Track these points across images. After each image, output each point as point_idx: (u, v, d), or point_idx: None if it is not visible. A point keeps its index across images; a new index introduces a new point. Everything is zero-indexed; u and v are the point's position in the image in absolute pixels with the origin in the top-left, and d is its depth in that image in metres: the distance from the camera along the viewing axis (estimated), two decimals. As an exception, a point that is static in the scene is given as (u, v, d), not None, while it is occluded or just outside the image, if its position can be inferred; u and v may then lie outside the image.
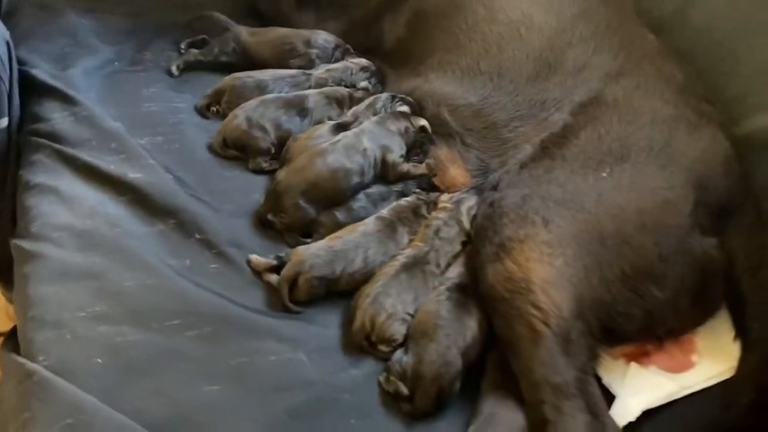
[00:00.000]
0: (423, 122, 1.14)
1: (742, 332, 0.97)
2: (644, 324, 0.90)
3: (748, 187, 1.02)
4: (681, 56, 1.12)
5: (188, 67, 1.27)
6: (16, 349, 0.91)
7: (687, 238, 0.91)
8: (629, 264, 0.88)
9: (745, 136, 1.05)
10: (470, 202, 1.03)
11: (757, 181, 1.02)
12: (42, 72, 1.16)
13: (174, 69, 1.26)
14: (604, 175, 0.94)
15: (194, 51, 1.29)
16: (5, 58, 1.09)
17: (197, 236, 1.00)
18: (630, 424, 0.88)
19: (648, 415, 0.91)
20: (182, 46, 1.31)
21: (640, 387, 0.92)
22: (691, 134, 0.99)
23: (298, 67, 1.27)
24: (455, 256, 1.00)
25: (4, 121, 1.11)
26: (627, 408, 0.89)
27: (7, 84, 1.09)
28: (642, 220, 0.90)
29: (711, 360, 0.97)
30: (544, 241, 0.89)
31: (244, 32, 1.28)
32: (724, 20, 1.13)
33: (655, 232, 0.90)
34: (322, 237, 1.01)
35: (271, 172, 1.11)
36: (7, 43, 1.11)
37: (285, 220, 1.04)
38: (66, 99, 1.13)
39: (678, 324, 0.94)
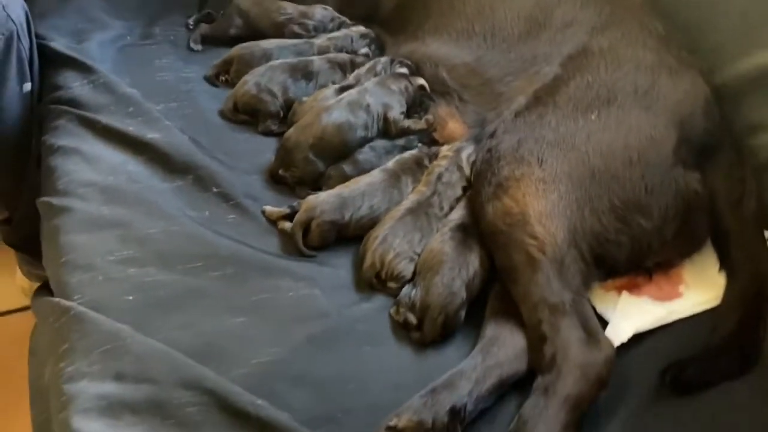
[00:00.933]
0: (421, 81, 1.21)
1: (726, 263, 1.04)
2: (632, 252, 0.97)
3: (727, 129, 1.09)
4: (663, 10, 1.19)
5: (204, 41, 1.34)
6: (48, 295, 0.97)
7: (671, 172, 0.98)
8: (617, 196, 0.95)
9: (723, 83, 1.12)
10: (469, 149, 1.10)
11: (737, 122, 1.09)
12: (59, 45, 1.23)
13: (193, 44, 1.32)
14: (593, 117, 1.00)
15: (205, 26, 1.35)
16: (25, 29, 1.16)
17: (214, 190, 1.06)
18: (623, 346, 0.95)
19: (639, 339, 0.98)
20: (190, 22, 1.38)
21: (631, 312, 0.99)
22: (672, 78, 1.06)
23: (296, 37, 1.33)
24: (457, 200, 1.06)
25: (28, 86, 1.18)
26: (619, 331, 0.96)
27: (27, 52, 1.16)
28: (629, 156, 0.97)
29: (698, 290, 1.04)
30: (539, 178, 0.96)
31: (247, 3, 1.34)
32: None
33: (641, 166, 0.97)
34: (331, 189, 1.08)
35: (280, 134, 1.17)
36: (26, 14, 1.17)
37: (296, 174, 1.10)
38: (83, 68, 1.19)
39: (664, 254, 1.01)
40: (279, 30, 1.33)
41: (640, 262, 1.00)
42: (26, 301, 1.62)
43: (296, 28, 1.33)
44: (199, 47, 1.33)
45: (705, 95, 1.07)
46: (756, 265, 1.01)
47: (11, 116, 1.19)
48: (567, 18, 1.16)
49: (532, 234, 0.92)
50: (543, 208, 0.94)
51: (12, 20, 1.12)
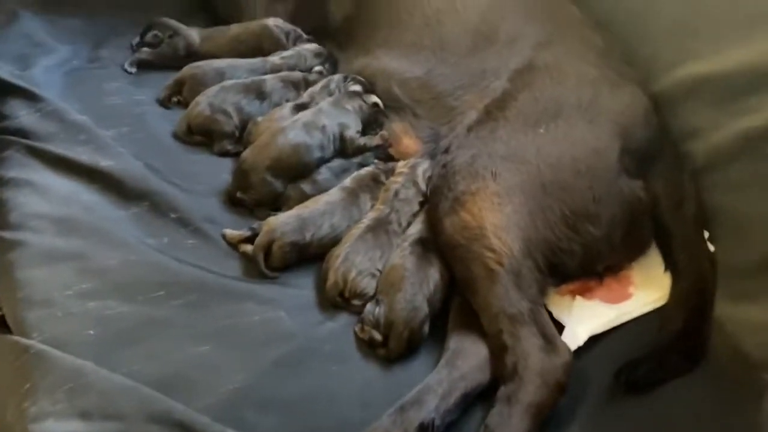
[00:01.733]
0: (375, 99, 1.23)
1: (670, 264, 1.10)
2: (584, 259, 1.01)
3: (665, 135, 1.15)
4: (599, 24, 1.25)
5: (142, 65, 1.31)
6: (5, 332, 0.95)
7: (616, 181, 1.03)
8: (568, 206, 1.00)
9: (660, 91, 1.18)
10: (424, 165, 1.13)
11: (674, 129, 1.15)
12: (3, 72, 1.19)
13: (128, 66, 1.30)
14: (542, 131, 1.05)
15: (146, 50, 1.33)
16: None
17: (172, 215, 1.06)
18: (579, 349, 1.00)
19: (594, 341, 1.02)
20: (133, 44, 1.35)
21: (585, 316, 1.03)
22: (613, 91, 1.11)
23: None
24: (414, 215, 1.09)
25: None
26: (575, 335, 1.00)
27: None
28: (576, 168, 1.01)
29: (646, 290, 1.09)
30: (493, 192, 0.99)
31: (196, 37, 1.32)
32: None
33: (589, 177, 1.01)
34: (291, 209, 1.09)
35: (236, 155, 1.17)
36: None
37: (254, 196, 1.11)
38: (30, 96, 1.16)
39: (613, 258, 1.06)
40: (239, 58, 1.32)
41: (591, 268, 1.05)
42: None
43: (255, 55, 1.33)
44: (133, 70, 1.30)
45: (644, 106, 1.13)
46: (698, 264, 1.07)
47: None
48: (512, 33, 1.20)
49: (489, 247, 0.96)
50: (499, 222, 0.97)
51: None
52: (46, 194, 1.04)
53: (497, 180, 1.01)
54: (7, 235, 1.00)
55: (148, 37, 1.33)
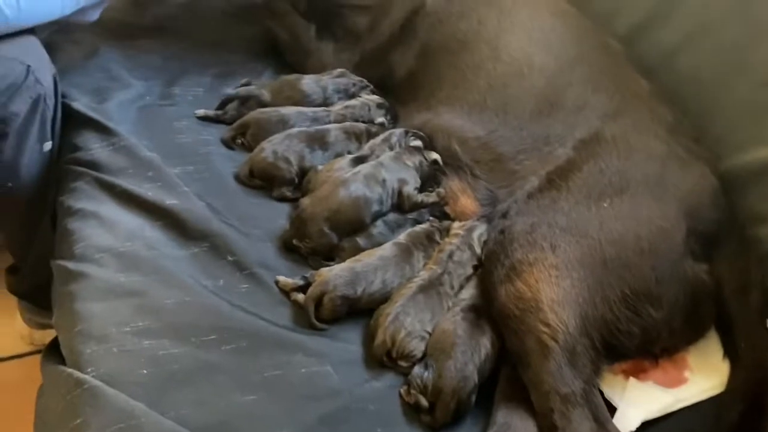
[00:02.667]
0: (435, 156, 1.23)
1: (730, 351, 1.06)
2: (642, 341, 0.98)
3: (733, 217, 1.12)
4: (670, 98, 1.23)
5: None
6: (59, 361, 0.97)
7: (680, 263, 1.01)
8: (629, 286, 0.97)
9: (728, 171, 1.16)
10: (480, 229, 1.12)
11: (741, 212, 1.12)
12: (81, 105, 1.25)
13: (199, 112, 1.32)
14: (605, 205, 1.03)
15: (218, 112, 1.33)
16: (51, 90, 1.18)
17: (229, 258, 1.07)
18: (630, 434, 0.96)
19: (646, 426, 0.99)
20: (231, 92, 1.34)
21: (638, 399, 1.00)
22: (682, 169, 1.09)
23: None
24: (467, 279, 1.08)
25: (48, 144, 1.21)
26: (627, 419, 0.97)
27: (51, 111, 1.19)
28: (640, 246, 0.99)
29: (703, 376, 1.05)
30: (551, 264, 0.98)
31: (267, 96, 1.34)
32: (708, 65, 1.24)
33: (652, 257, 0.99)
34: (344, 261, 1.09)
35: (293, 201, 1.19)
36: (54, 77, 1.20)
37: (309, 245, 1.12)
38: (104, 130, 1.21)
39: (672, 342, 1.03)
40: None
41: (648, 350, 1.02)
42: (24, 348, 1.62)
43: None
44: (203, 113, 1.32)
45: (713, 186, 1.10)
46: (759, 354, 1.03)
47: (29, 173, 1.21)
48: (579, 101, 1.19)
49: (544, 321, 0.94)
50: (555, 296, 0.95)
51: (40, 83, 1.15)
52: (112, 228, 1.07)
53: (556, 252, 0.99)
54: (71, 266, 1.03)
55: (228, 109, 1.34)
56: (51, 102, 1.19)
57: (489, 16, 1.28)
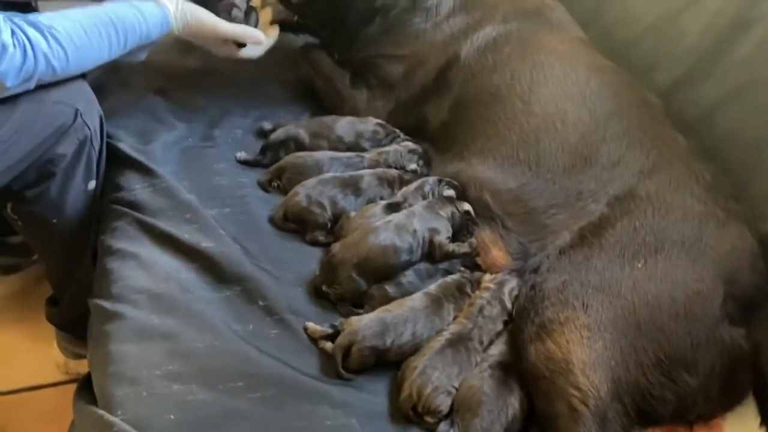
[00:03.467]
0: (467, 207, 1.23)
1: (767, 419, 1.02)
2: (676, 407, 0.96)
3: (772, 281, 1.09)
4: (709, 155, 1.21)
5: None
6: (90, 399, 0.99)
7: (717, 328, 0.98)
8: (663, 351, 0.95)
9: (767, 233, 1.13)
10: (512, 283, 1.11)
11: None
12: (126, 146, 1.29)
13: (240, 156, 1.36)
14: (640, 265, 1.01)
15: (258, 156, 1.36)
16: (98, 131, 1.23)
17: (260, 303, 1.09)
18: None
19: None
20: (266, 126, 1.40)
21: (672, 467, 0.97)
22: (720, 230, 1.07)
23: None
24: (497, 335, 1.07)
25: (93, 183, 1.25)
26: (659, 487, 0.94)
27: (97, 152, 1.24)
28: (675, 310, 0.97)
29: (739, 445, 1.02)
30: (583, 325, 0.96)
31: (305, 137, 1.37)
32: (749, 124, 1.23)
33: (688, 321, 0.97)
34: (373, 308, 1.09)
35: (326, 245, 1.21)
36: (101, 118, 1.25)
37: (338, 291, 1.12)
38: (147, 171, 1.25)
39: (708, 409, 1.00)
40: (333, 149, 1.37)
41: (683, 416, 0.99)
42: (59, 376, 1.65)
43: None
44: (243, 156, 1.35)
45: (752, 248, 1.08)
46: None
47: (73, 210, 1.25)
48: (613, 157, 1.18)
49: (575, 384, 0.92)
50: (587, 358, 0.94)
51: (87, 126, 1.20)
52: (149, 269, 1.10)
53: (588, 312, 0.98)
54: (108, 305, 1.06)
55: (267, 154, 1.37)
56: (97, 143, 1.23)
57: (522, 69, 1.29)
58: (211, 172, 1.31)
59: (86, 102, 1.22)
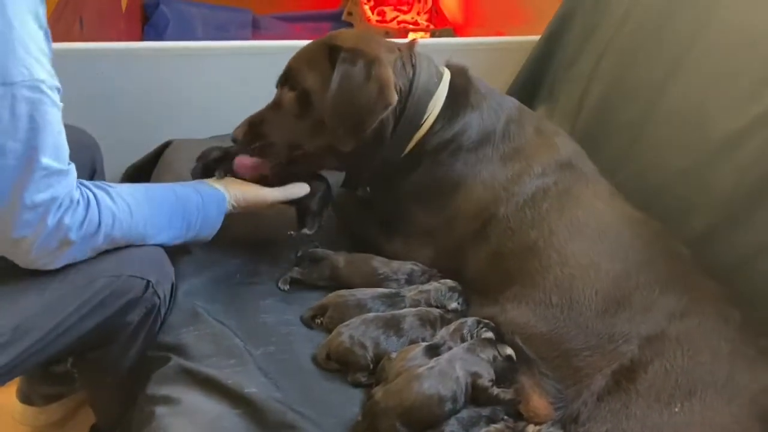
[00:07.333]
0: (510, 351, 1.24)
1: None
2: None
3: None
4: (746, 301, 1.22)
5: (294, 283, 1.43)
6: None
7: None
8: None
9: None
10: (556, 436, 1.10)
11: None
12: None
13: (281, 284, 1.42)
14: (677, 410, 1.02)
15: (297, 269, 1.44)
16: (168, 298, 1.26)
17: (303, 452, 1.09)
18: None
19: None
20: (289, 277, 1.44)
21: None
22: (751, 369, 1.08)
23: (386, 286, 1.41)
24: (545, 490, 1.05)
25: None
26: None
27: (163, 317, 1.27)
28: None
29: None
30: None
31: (341, 261, 1.43)
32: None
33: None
34: (416, 460, 1.09)
35: (367, 386, 1.22)
36: (173, 285, 1.28)
37: (381, 440, 1.12)
38: (193, 314, 1.29)
39: None
40: (370, 285, 1.40)
41: None
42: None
43: (388, 283, 1.41)
44: (286, 287, 1.41)
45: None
46: None
47: (129, 366, 1.28)
48: (646, 302, 1.21)
49: None
50: None
51: (158, 296, 1.21)
52: (192, 417, 1.12)
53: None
54: (153, 454, 1.08)
55: (303, 266, 1.44)
56: (164, 309, 1.25)
57: (559, 225, 1.34)
58: (258, 309, 1.34)
59: (159, 272, 1.22)
